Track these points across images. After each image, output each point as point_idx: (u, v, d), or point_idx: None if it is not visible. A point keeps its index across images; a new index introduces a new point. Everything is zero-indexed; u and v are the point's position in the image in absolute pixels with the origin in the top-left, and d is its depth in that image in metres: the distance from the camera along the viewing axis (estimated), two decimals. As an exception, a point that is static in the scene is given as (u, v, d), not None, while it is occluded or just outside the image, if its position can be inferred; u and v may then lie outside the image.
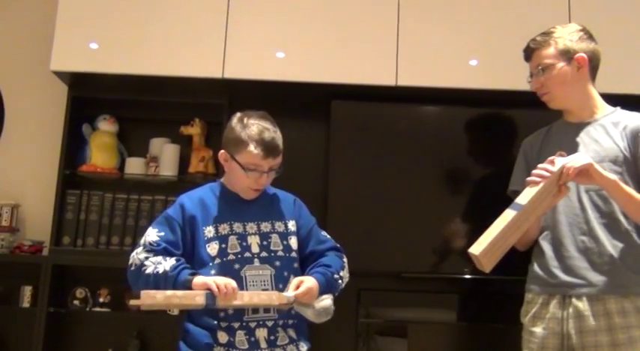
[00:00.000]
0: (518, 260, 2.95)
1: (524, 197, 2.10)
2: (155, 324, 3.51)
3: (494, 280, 3.34)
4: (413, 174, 3.40)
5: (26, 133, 3.74)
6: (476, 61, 3.36)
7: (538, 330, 2.26)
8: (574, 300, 2.22)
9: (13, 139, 3.74)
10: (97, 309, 3.44)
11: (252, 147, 2.21)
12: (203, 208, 2.29)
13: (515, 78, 3.27)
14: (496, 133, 3.47)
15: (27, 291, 3.40)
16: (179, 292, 2.06)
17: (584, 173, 2.09)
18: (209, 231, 2.26)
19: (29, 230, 3.61)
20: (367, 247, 3.29)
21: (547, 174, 2.10)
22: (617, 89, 2.76)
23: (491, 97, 3.37)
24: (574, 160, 2.10)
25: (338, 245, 2.41)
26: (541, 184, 2.09)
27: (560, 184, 2.11)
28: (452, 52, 3.37)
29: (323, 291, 2.22)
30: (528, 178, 2.14)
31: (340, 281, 2.30)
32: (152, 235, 2.23)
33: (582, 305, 2.20)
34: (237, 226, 2.27)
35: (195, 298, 2.05)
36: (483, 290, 3.49)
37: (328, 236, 2.43)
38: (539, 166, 2.14)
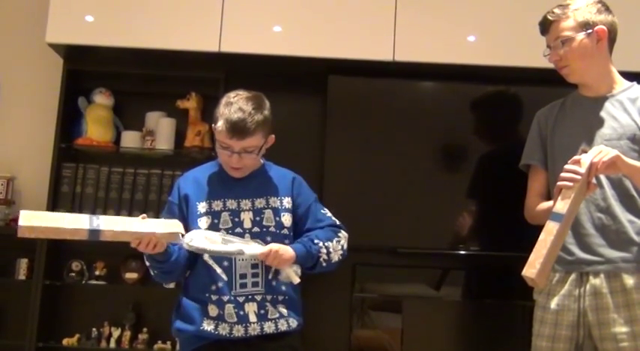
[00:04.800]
0: (514, 236, 2.97)
1: (562, 206, 2.04)
2: (151, 297, 3.53)
3: (490, 256, 3.36)
4: (409, 150, 3.40)
5: (22, 106, 3.72)
6: (474, 37, 3.35)
7: (552, 306, 2.25)
8: (591, 277, 2.21)
9: (8, 111, 3.72)
10: (93, 282, 3.45)
11: (220, 123, 2.25)
12: (197, 186, 2.35)
13: (513, 54, 3.29)
14: (494, 109, 3.46)
15: (23, 263, 3.41)
16: (60, 221, 2.02)
17: (612, 166, 2.05)
18: (202, 206, 2.31)
19: (25, 203, 3.60)
20: (363, 222, 3.30)
21: (577, 177, 2.03)
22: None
23: (488, 73, 3.36)
24: (601, 155, 2.04)
25: (337, 222, 2.42)
26: (575, 189, 2.03)
27: (589, 181, 2.06)
28: (450, 28, 3.35)
29: (303, 258, 2.26)
30: (559, 183, 2.07)
31: (324, 250, 2.30)
32: None
33: (599, 282, 2.19)
34: (231, 203, 2.31)
35: (79, 231, 2.02)
36: (479, 266, 3.51)
37: (328, 214, 2.43)
38: (567, 168, 2.07)
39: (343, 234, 2.40)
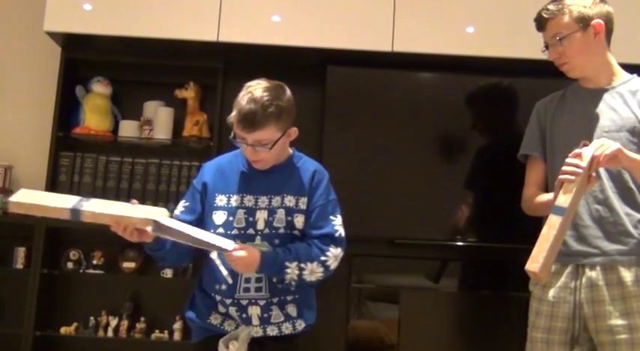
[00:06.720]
0: (511, 228, 2.98)
1: (564, 199, 2.03)
2: (148, 286, 3.53)
3: (487, 247, 3.37)
4: (407, 140, 3.40)
5: (19, 94, 3.71)
6: (472, 27, 3.34)
7: (548, 298, 2.25)
8: (587, 270, 2.21)
9: (6, 100, 3.71)
10: (91, 271, 3.46)
11: (233, 113, 2.17)
12: (219, 176, 2.28)
13: (511, 45, 3.28)
14: (491, 100, 3.46)
15: (20, 252, 3.41)
16: (48, 200, 2.06)
17: (613, 159, 2.05)
18: (220, 199, 2.25)
19: (22, 192, 3.61)
20: (361, 213, 3.30)
21: (579, 170, 2.02)
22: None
23: (487, 64, 3.36)
24: (602, 148, 2.03)
25: (337, 234, 2.22)
26: (577, 183, 2.02)
27: (590, 174, 2.05)
28: (448, 19, 3.34)
29: (263, 269, 2.13)
30: (561, 177, 2.05)
31: (295, 271, 2.15)
32: (179, 207, 2.30)
33: (595, 275, 2.19)
34: (249, 200, 2.22)
35: (62, 211, 2.03)
36: (476, 257, 3.51)
37: (334, 221, 2.24)
38: (568, 161, 2.05)
39: (333, 253, 2.19)
